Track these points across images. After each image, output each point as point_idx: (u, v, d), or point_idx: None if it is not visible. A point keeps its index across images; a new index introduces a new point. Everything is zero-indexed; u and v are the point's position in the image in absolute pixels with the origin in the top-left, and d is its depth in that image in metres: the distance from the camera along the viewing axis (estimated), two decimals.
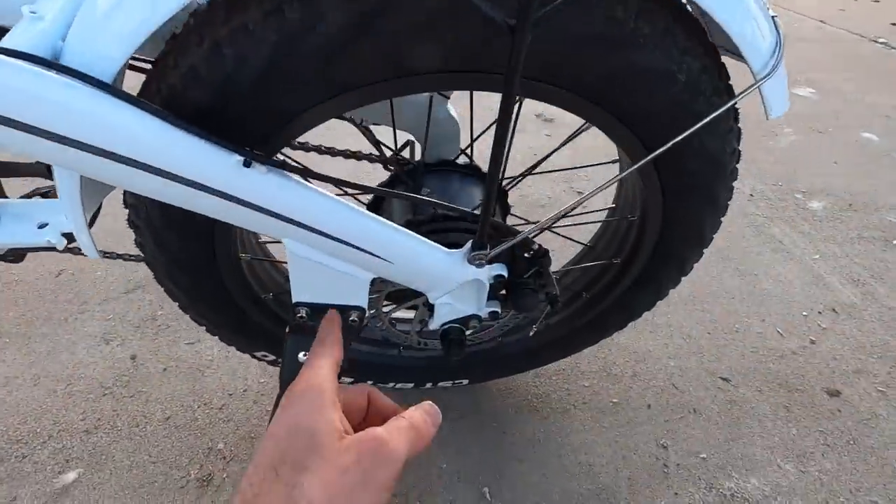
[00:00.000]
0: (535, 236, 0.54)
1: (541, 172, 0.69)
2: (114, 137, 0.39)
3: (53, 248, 0.62)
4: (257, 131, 0.46)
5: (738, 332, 1.13)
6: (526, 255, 0.55)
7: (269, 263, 0.74)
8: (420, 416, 0.38)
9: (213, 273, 0.61)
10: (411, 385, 0.91)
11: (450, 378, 0.91)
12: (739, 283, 1.25)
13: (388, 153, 0.71)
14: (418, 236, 0.50)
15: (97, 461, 0.84)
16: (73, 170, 0.44)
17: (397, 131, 0.68)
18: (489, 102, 0.50)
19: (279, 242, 0.50)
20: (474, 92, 0.59)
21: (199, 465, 0.85)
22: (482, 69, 0.44)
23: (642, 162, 0.50)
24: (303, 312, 0.55)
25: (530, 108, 1.80)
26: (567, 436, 0.92)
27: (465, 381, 0.93)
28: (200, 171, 0.41)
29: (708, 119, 0.47)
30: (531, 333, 0.77)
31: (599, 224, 0.82)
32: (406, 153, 0.73)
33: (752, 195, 1.57)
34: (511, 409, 0.97)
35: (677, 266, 0.72)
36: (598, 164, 0.78)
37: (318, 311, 0.55)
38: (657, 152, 0.48)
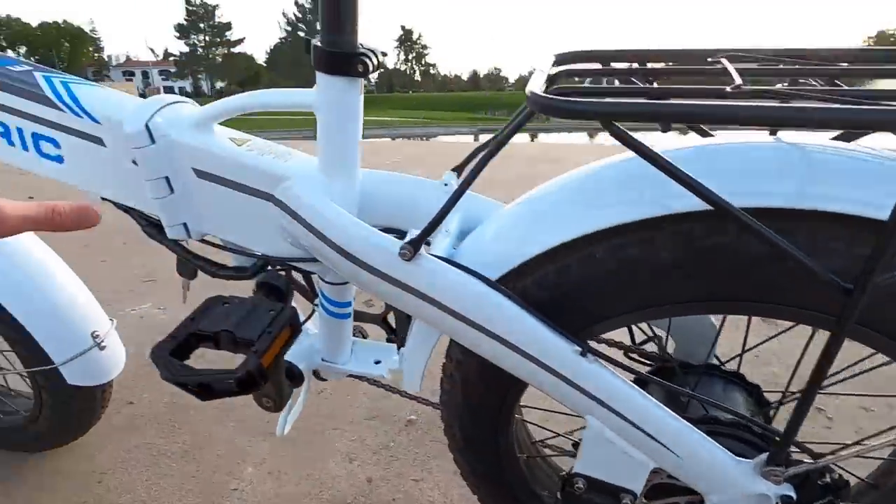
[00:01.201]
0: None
1: (833, 393, 0.68)
2: (492, 319, 0.56)
3: (381, 377, 0.82)
4: (574, 326, 0.60)
5: None
6: (821, 481, 0.54)
7: (527, 428, 0.84)
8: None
9: (492, 427, 0.73)
10: None
11: None
12: None
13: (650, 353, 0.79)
14: (711, 440, 0.55)
15: None
16: (449, 334, 0.62)
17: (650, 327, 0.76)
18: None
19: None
20: None
21: None
22: (804, 307, 0.51)
23: None
24: (581, 484, 0.61)
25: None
26: None
27: None
28: (545, 352, 0.55)
29: None
30: None
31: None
32: (651, 347, 0.80)
33: None
34: None
35: None
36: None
37: (593, 486, 0.61)
38: None
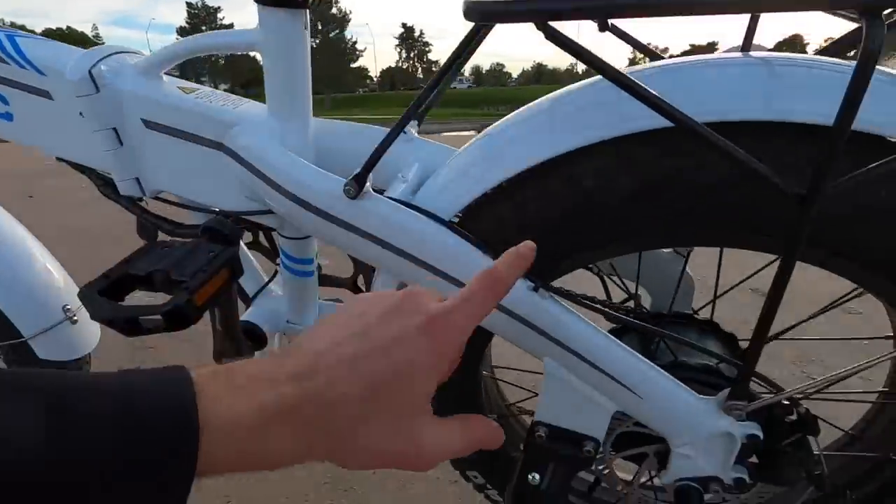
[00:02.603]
0: (801, 399, 0.51)
1: (793, 339, 0.65)
2: (442, 257, 0.53)
3: None
4: (535, 267, 0.57)
5: None
6: (787, 419, 0.52)
7: (498, 387, 0.81)
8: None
9: (459, 384, 0.70)
10: None
11: None
12: None
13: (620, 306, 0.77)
14: (672, 377, 0.52)
15: None
16: (405, 278, 0.60)
17: (627, 283, 0.74)
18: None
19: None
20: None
21: None
22: (757, 231, 0.49)
23: None
24: (542, 432, 0.59)
25: None
26: None
27: None
28: None
29: None
30: None
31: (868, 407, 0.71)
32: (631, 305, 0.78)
33: None
34: None
35: None
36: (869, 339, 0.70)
37: (555, 434, 0.59)
38: None
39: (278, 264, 0.76)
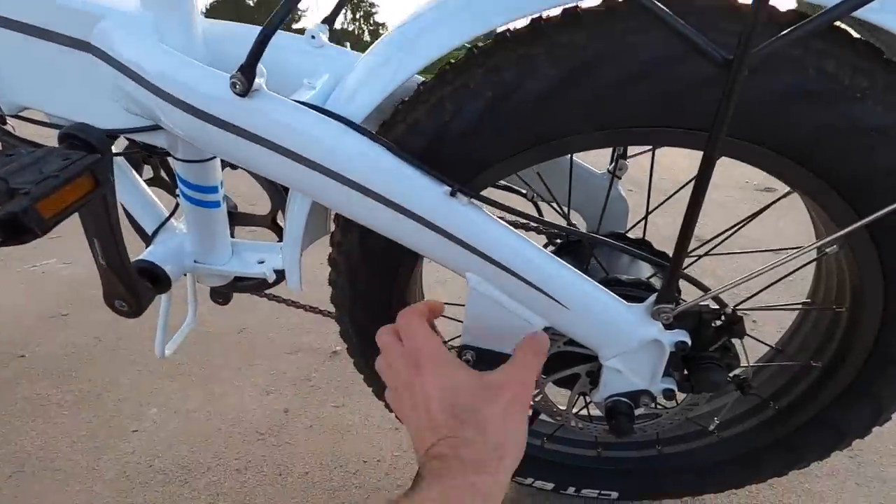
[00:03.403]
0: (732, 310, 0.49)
1: (719, 254, 0.64)
2: (348, 162, 0.47)
3: (265, 280, 0.73)
4: (457, 177, 0.52)
5: None
6: (714, 324, 0.51)
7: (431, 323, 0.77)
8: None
9: (385, 317, 0.66)
10: (551, 486, 0.82)
11: (596, 486, 0.81)
12: None
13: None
14: (598, 285, 0.50)
15: (241, 500, 0.88)
16: (312, 194, 0.53)
17: (562, 208, 0.71)
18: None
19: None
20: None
21: None
22: (686, 126, 0.46)
23: (854, 227, 0.45)
24: (469, 356, 0.56)
25: None
26: None
27: (615, 495, 0.81)
28: (411, 196, 0.47)
29: None
30: (711, 427, 0.67)
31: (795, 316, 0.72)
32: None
33: None
34: None
35: None
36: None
37: (483, 357, 0.56)
38: (881, 213, 0.43)
39: (178, 195, 0.68)
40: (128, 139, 0.62)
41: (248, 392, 1.13)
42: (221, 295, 0.89)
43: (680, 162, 2.47)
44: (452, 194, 0.47)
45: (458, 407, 0.43)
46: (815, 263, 0.67)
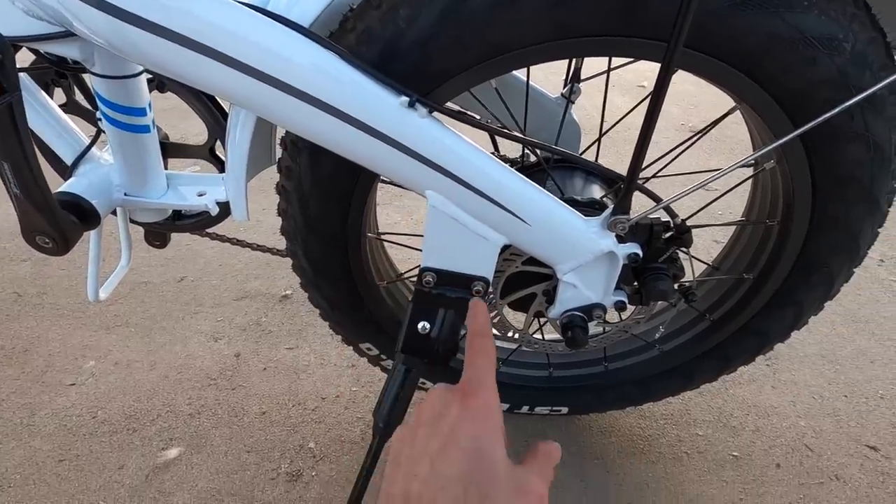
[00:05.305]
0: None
1: (671, 175, 0.67)
2: (300, 73, 0.44)
3: (207, 215, 0.69)
4: (414, 88, 0.50)
5: (884, 398, 0.98)
6: (664, 236, 0.53)
7: (386, 253, 0.76)
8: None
9: (339, 245, 0.64)
10: (506, 406, 0.86)
11: (548, 403, 0.86)
12: (878, 347, 1.10)
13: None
14: (558, 199, 0.50)
15: (197, 443, 0.86)
16: (256, 108, 0.49)
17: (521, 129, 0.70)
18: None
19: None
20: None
21: (290, 460, 0.84)
22: (642, 35, 0.45)
23: (793, 135, 0.47)
24: (430, 278, 0.55)
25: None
26: (681, 485, 0.82)
27: (565, 410, 0.86)
28: (367, 108, 0.45)
29: (876, 88, 0.45)
30: (657, 336, 0.72)
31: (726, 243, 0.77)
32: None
33: (882, 261, 1.41)
34: (614, 448, 0.88)
35: (824, 284, 0.65)
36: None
37: (444, 279, 0.56)
38: (817, 121, 0.46)
39: (99, 120, 0.61)
40: (34, 51, 0.55)
41: (194, 340, 1.09)
42: (158, 237, 0.83)
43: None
44: (411, 105, 0.45)
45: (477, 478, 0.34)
46: (751, 181, 0.71)
